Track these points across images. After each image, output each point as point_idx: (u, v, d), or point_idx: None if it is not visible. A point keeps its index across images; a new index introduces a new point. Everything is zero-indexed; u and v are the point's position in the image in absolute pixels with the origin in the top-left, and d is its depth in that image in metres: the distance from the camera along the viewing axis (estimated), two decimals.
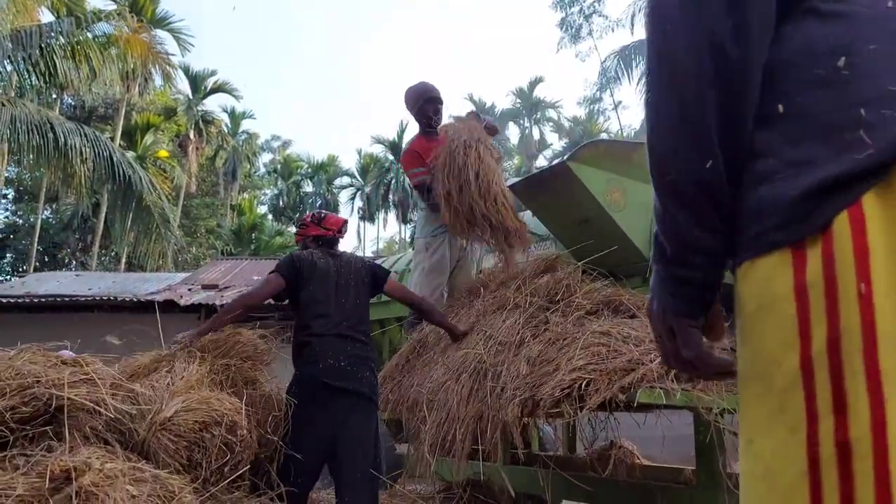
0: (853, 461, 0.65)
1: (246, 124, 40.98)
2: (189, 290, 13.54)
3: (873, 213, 0.67)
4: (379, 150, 45.81)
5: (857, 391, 0.66)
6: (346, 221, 3.83)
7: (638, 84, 22.64)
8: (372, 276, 3.58)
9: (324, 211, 3.95)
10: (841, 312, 0.67)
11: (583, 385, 2.72)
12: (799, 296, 0.69)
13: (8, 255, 31.06)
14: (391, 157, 44.30)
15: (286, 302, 3.50)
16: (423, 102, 4.61)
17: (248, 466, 2.85)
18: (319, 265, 3.46)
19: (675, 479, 3.92)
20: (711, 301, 0.86)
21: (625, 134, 24.83)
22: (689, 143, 0.78)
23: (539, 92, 43.99)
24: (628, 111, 46.63)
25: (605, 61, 24.03)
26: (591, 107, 27.42)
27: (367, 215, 46.46)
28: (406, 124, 42.65)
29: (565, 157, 3.49)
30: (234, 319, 3.30)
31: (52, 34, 11.13)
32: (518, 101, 44.05)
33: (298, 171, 46.72)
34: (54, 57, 10.95)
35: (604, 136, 27.26)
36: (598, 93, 25.37)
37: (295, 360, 3.34)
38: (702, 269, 0.82)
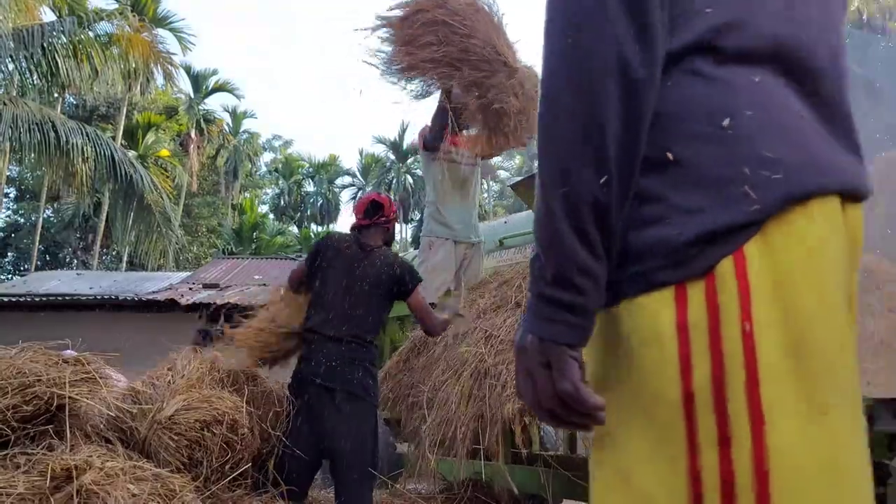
0: (736, 492, 0.69)
1: (247, 123, 41.06)
2: (190, 289, 13.55)
3: (753, 260, 0.74)
4: (380, 150, 45.85)
5: (741, 424, 0.70)
6: (372, 201, 3.50)
7: None
8: (397, 285, 3.31)
9: (363, 197, 3.69)
10: (725, 350, 0.72)
11: None
12: (681, 333, 0.73)
13: (9, 254, 31.12)
14: (392, 157, 44.34)
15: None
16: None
17: (250, 464, 2.85)
18: (341, 256, 3.32)
19: None
20: (590, 332, 0.80)
21: None
22: (590, 162, 0.77)
23: None
24: None
25: None
26: None
27: None
28: (407, 124, 42.68)
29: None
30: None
31: (54, 33, 11.14)
32: None
33: (300, 170, 46.78)
34: (56, 56, 10.96)
35: None
36: None
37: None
38: (585, 293, 0.78)
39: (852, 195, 0.84)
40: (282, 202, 44.94)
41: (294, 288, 3.44)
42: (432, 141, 4.50)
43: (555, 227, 0.78)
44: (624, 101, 0.77)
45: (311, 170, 47.21)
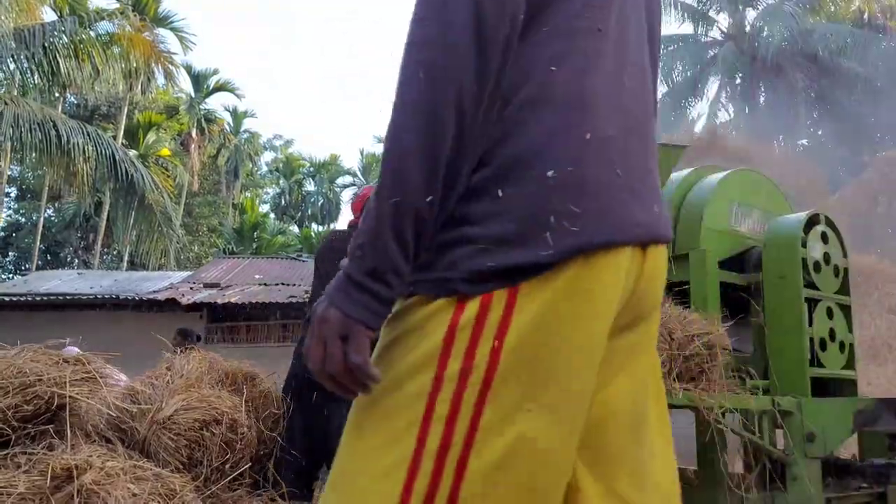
0: (446, 459, 0.88)
1: (248, 123, 41.01)
2: (191, 288, 13.55)
3: (525, 296, 0.89)
4: (380, 149, 45.75)
5: (467, 410, 0.88)
6: (367, 199, 3.68)
7: None
8: None
9: (368, 193, 3.78)
10: (476, 354, 0.89)
11: None
12: (450, 332, 0.90)
13: (10, 253, 31.11)
14: None
15: None
16: None
17: (249, 464, 2.85)
18: (333, 256, 3.33)
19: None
20: (385, 318, 0.94)
21: None
22: (423, 181, 0.89)
23: None
24: None
25: None
26: None
27: None
28: None
29: None
30: None
31: (55, 33, 11.14)
32: None
33: (300, 170, 46.73)
34: (57, 56, 10.97)
35: None
36: None
37: (294, 351, 3.35)
38: (392, 288, 0.91)
39: (652, 242, 1.01)
40: (283, 202, 44.91)
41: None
42: None
43: (381, 228, 0.90)
44: (458, 134, 0.90)
45: (311, 169, 47.17)
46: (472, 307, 0.90)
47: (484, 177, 0.93)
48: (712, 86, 22.11)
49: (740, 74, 20.98)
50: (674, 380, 2.77)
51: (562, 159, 0.92)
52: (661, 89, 22.07)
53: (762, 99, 20.51)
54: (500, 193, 0.92)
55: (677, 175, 3.77)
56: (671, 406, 2.86)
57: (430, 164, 0.90)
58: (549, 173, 0.91)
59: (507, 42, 0.92)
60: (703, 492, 3.26)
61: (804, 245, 3.43)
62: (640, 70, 1.07)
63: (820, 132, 19.66)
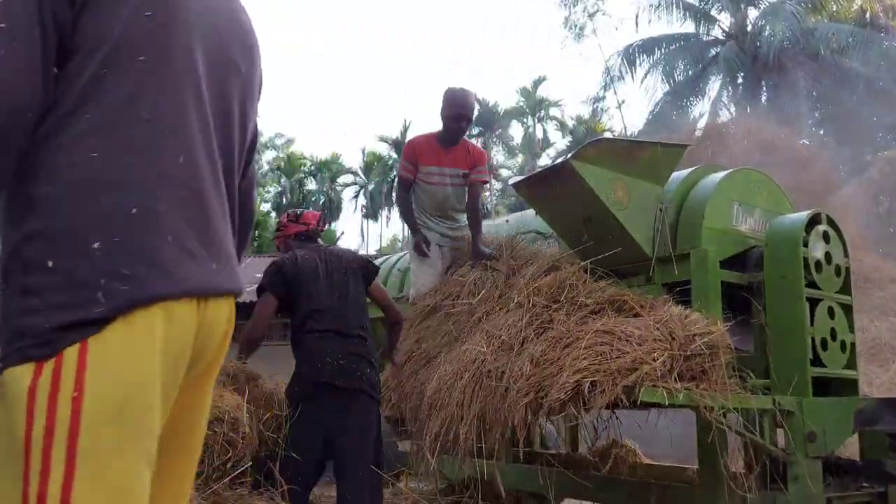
0: None
1: None
2: None
3: (93, 347, 1.02)
4: (383, 149, 45.79)
5: (59, 465, 0.98)
6: (323, 213, 3.75)
7: (642, 82, 22.64)
8: (363, 269, 3.53)
9: (299, 209, 3.87)
10: (58, 409, 0.99)
11: (587, 387, 2.71)
12: (31, 393, 0.99)
13: None
14: (395, 156, 44.29)
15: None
16: (447, 116, 4.40)
17: (251, 463, 2.85)
18: (306, 264, 3.37)
19: (678, 478, 3.92)
20: None
21: (628, 132, 24.80)
22: None
23: (542, 91, 43.97)
24: (631, 109, 46.91)
25: (608, 60, 24.02)
26: (595, 105, 27.41)
27: (371, 213, 46.48)
28: (409, 123, 42.66)
29: (569, 156, 3.49)
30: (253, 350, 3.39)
31: None
32: (522, 99, 44.00)
33: (302, 168, 46.75)
34: None
35: (607, 134, 27.21)
36: (601, 91, 25.37)
37: (296, 357, 3.34)
38: None
39: (209, 294, 1.18)
40: (284, 200, 44.92)
41: (268, 329, 3.42)
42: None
43: None
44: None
45: (313, 168, 47.19)
46: (48, 368, 1.01)
47: (37, 249, 1.05)
48: (714, 85, 22.11)
49: (742, 74, 20.97)
50: (675, 379, 2.77)
51: (108, 232, 1.06)
52: (663, 88, 22.08)
53: (764, 98, 20.49)
54: (50, 265, 1.04)
55: (678, 175, 3.77)
56: (672, 406, 2.86)
57: None
58: (95, 245, 1.05)
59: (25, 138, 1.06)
60: (704, 491, 3.26)
61: (806, 244, 3.43)
62: (206, 150, 1.22)
63: (822, 132, 19.63)
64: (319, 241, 3.69)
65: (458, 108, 4.38)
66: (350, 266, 3.47)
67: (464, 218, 4.57)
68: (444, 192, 4.49)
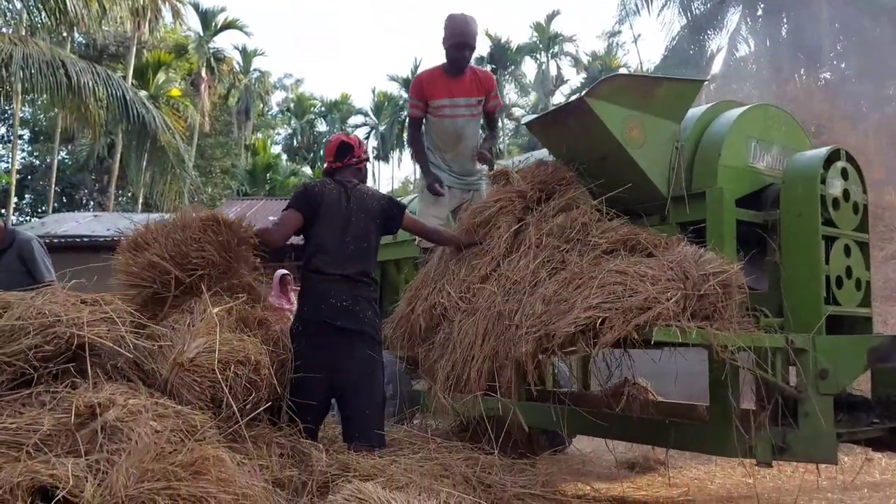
0: None
1: (257, 62, 40.51)
2: None
3: None
4: (393, 88, 45.18)
5: None
6: (342, 142, 3.60)
7: (659, 15, 22.01)
8: (385, 217, 3.46)
9: (330, 139, 3.78)
10: None
11: (598, 323, 2.72)
12: None
13: (27, 196, 31.33)
14: (405, 95, 43.71)
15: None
16: (449, 46, 4.36)
17: (269, 403, 2.90)
18: (330, 199, 3.35)
19: (689, 415, 3.96)
20: None
21: (644, 68, 24.26)
22: None
23: (556, 25, 42.93)
24: (648, 44, 45.65)
25: None
26: (610, 40, 26.74)
27: (382, 155, 46.20)
28: (420, 60, 41.95)
29: (583, 93, 3.42)
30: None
31: None
32: (535, 35, 43.02)
33: (312, 109, 46.33)
34: None
35: (623, 70, 26.62)
36: (617, 25, 24.71)
37: (300, 296, 3.38)
38: None
39: None
40: (294, 142, 44.71)
41: (280, 242, 3.41)
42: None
43: None
44: None
45: (323, 109, 46.76)
46: None
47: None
48: (732, 18, 21.45)
49: (762, 5, 20.32)
50: (688, 318, 2.77)
51: None
52: (680, 21, 21.46)
53: (784, 31, 19.89)
54: None
55: (694, 111, 3.70)
56: (685, 345, 2.87)
57: None
58: None
59: None
60: (715, 427, 3.30)
61: (823, 181, 3.37)
62: None
63: (843, 65, 19.11)
64: (352, 175, 3.56)
65: (459, 37, 4.33)
66: (371, 214, 3.40)
67: (476, 170, 4.57)
68: (454, 124, 4.46)
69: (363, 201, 3.42)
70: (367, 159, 3.72)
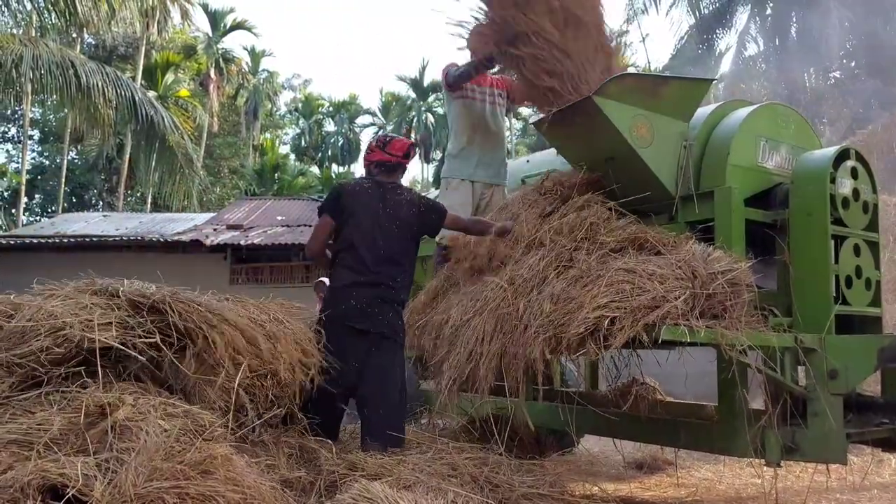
0: None
1: (265, 63, 40.62)
2: (214, 230, 13.68)
3: None
4: (401, 89, 45.21)
5: None
6: (412, 144, 3.62)
7: (667, 15, 21.93)
8: (421, 223, 3.45)
9: (390, 134, 3.81)
10: None
11: (607, 323, 2.72)
12: None
13: (36, 196, 31.51)
14: (413, 95, 43.74)
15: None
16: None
17: (285, 408, 2.91)
18: (364, 200, 3.36)
19: (697, 414, 3.95)
20: None
21: (652, 67, 24.20)
22: None
23: None
24: (656, 43, 45.48)
25: None
26: (618, 39, 26.67)
27: None
28: (427, 62, 41.94)
29: (591, 92, 3.41)
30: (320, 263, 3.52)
31: None
32: None
33: (320, 109, 46.40)
34: None
35: (630, 69, 26.55)
36: (624, 25, 24.65)
37: (326, 294, 3.39)
38: None
39: None
40: (302, 142, 44.77)
41: (324, 247, 3.46)
42: (454, 81, 4.57)
43: None
44: None
45: (331, 109, 46.81)
46: None
47: None
48: (741, 17, 21.35)
49: (771, 4, 20.22)
50: (696, 317, 2.76)
51: None
52: (689, 21, 21.38)
53: (793, 30, 19.78)
54: None
55: (703, 110, 3.68)
56: (693, 344, 2.86)
57: None
58: None
59: None
60: (724, 427, 3.29)
61: (833, 181, 3.35)
62: None
63: (853, 63, 19.00)
64: (401, 175, 3.60)
65: None
66: (406, 221, 3.39)
67: (501, 163, 4.74)
68: (483, 107, 4.67)
69: (399, 207, 3.40)
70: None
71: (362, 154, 3.77)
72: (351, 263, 3.28)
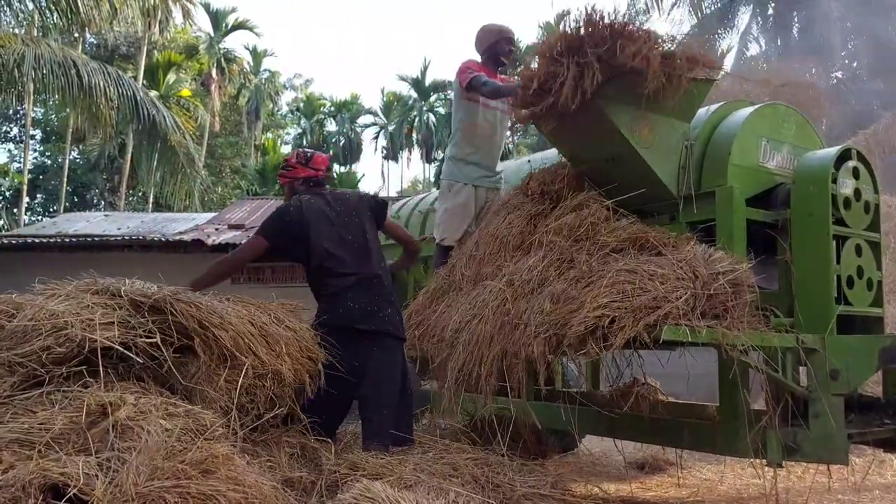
0: None
1: (267, 62, 40.63)
2: (216, 229, 13.67)
3: None
4: (402, 88, 45.20)
5: None
6: (330, 158, 3.75)
7: (668, 15, 21.92)
8: (372, 210, 3.50)
9: (308, 150, 3.80)
10: None
11: (607, 323, 2.71)
12: None
13: (38, 195, 31.53)
14: (414, 95, 43.75)
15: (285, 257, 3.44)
16: (500, 39, 4.58)
17: (286, 408, 2.91)
18: (313, 210, 3.34)
19: (699, 415, 3.95)
20: None
21: None
22: None
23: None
24: None
25: None
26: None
27: (391, 154, 46.25)
28: (429, 62, 41.91)
29: None
30: (214, 284, 3.29)
31: None
32: (544, 34, 42.92)
33: (321, 109, 46.43)
34: None
35: None
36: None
37: (318, 302, 3.37)
38: None
39: None
40: (304, 142, 44.78)
41: (242, 268, 3.45)
42: (483, 91, 4.31)
43: None
44: None
45: (332, 109, 46.85)
46: None
47: None
48: (743, 17, 21.33)
49: (772, 4, 20.20)
50: (697, 318, 2.76)
51: None
52: (690, 21, 21.36)
53: (795, 30, 19.77)
54: None
55: (705, 110, 3.68)
56: (694, 344, 2.86)
57: None
58: None
59: None
60: (725, 428, 3.29)
61: (835, 181, 3.35)
62: None
63: (855, 63, 18.97)
64: (327, 186, 3.63)
65: (507, 32, 4.65)
66: (359, 208, 3.45)
67: (500, 174, 4.70)
68: (494, 116, 4.63)
69: (347, 202, 3.47)
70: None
71: (279, 171, 3.73)
72: (336, 270, 3.27)
